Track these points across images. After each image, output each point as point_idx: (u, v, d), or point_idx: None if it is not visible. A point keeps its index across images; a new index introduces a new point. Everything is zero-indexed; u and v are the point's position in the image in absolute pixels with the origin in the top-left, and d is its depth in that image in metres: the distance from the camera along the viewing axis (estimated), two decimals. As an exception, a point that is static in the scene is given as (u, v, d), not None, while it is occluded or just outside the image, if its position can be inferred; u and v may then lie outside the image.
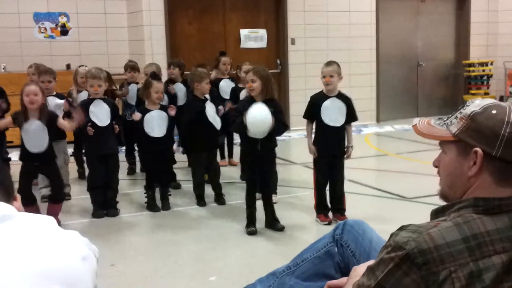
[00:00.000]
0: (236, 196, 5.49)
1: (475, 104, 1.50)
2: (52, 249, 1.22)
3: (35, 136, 4.56)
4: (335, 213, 4.75)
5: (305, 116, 4.78)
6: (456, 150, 1.51)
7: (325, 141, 4.65)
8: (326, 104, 4.63)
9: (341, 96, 4.70)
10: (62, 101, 5.44)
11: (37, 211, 4.69)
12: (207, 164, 5.44)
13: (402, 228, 1.46)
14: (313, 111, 4.68)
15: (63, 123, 4.71)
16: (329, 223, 4.61)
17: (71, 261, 1.24)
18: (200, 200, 5.34)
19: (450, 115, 1.56)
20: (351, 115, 4.70)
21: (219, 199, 5.37)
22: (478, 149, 1.45)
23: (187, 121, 5.28)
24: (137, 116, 5.05)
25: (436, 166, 1.59)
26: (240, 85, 6.32)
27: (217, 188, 5.42)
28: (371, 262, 1.52)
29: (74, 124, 4.68)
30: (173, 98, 6.26)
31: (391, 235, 1.46)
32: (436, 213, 1.52)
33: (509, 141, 1.43)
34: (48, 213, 4.73)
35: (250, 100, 4.47)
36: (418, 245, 1.38)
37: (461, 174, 1.49)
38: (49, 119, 4.62)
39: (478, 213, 1.44)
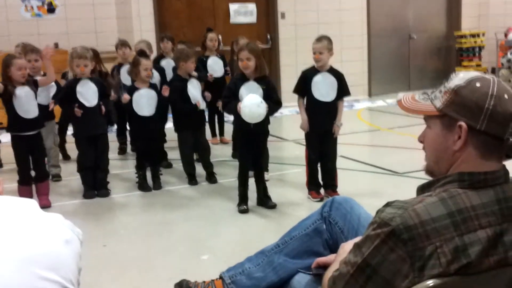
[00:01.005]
0: (228, 174, 5.48)
1: (459, 77, 1.48)
2: (34, 234, 1.20)
3: (28, 101, 4.60)
4: (327, 189, 4.75)
5: (295, 91, 4.74)
6: (440, 125, 1.49)
7: (316, 117, 4.62)
8: (317, 78, 4.59)
9: (333, 71, 4.65)
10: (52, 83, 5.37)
11: (29, 192, 4.68)
12: (195, 143, 5.41)
13: (387, 205, 1.46)
14: (303, 86, 4.64)
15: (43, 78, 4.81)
16: (321, 200, 4.60)
17: (54, 245, 1.22)
18: (192, 179, 5.32)
19: (434, 89, 1.54)
20: (342, 90, 4.64)
21: (211, 178, 5.35)
22: (462, 123, 1.44)
23: (168, 101, 5.26)
24: (125, 98, 5.00)
25: (421, 142, 1.58)
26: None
27: (208, 166, 5.40)
28: (358, 239, 1.51)
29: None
30: (163, 74, 6.18)
31: (377, 212, 1.46)
32: (422, 189, 1.52)
33: (493, 114, 1.42)
34: (38, 193, 4.72)
35: (243, 78, 4.43)
36: (404, 221, 1.38)
37: (446, 148, 1.48)
38: (34, 82, 4.73)
39: (464, 187, 1.44)
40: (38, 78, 4.88)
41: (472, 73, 1.49)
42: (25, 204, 1.27)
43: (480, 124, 1.43)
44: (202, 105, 5.31)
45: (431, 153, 1.55)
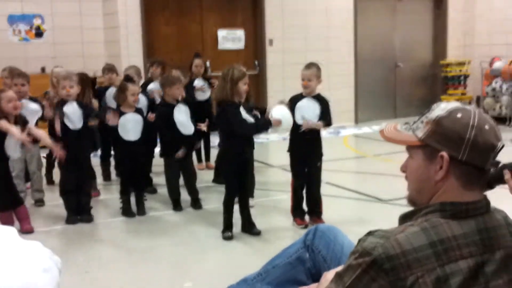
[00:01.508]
0: (213, 200, 5.45)
1: (440, 107, 1.49)
2: (11, 263, 1.18)
3: (14, 142, 4.52)
4: (312, 216, 4.73)
5: None
6: (422, 155, 1.50)
7: (299, 144, 4.62)
8: (301, 103, 4.62)
9: (318, 97, 4.67)
10: (37, 107, 5.34)
11: (10, 217, 4.61)
12: (181, 168, 5.38)
13: (369, 234, 1.46)
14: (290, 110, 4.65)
15: (37, 133, 4.62)
16: (306, 226, 4.59)
17: (32, 275, 1.20)
18: (176, 205, 5.28)
19: (416, 119, 1.55)
20: (324, 117, 4.60)
21: (196, 204, 5.32)
22: (444, 153, 1.45)
23: (155, 127, 5.26)
24: (112, 119, 4.97)
25: (403, 171, 1.58)
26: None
27: (193, 193, 5.37)
28: (340, 268, 1.50)
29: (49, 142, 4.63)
30: (151, 99, 6.18)
31: (359, 241, 1.46)
32: (404, 218, 1.52)
33: (475, 144, 1.43)
34: (18, 219, 4.65)
35: (239, 104, 4.42)
36: (386, 250, 1.37)
37: (428, 178, 1.49)
38: (23, 124, 4.61)
39: (445, 217, 1.44)
40: (31, 128, 4.68)
41: (453, 104, 1.50)
42: (4, 232, 1.25)
43: (461, 154, 1.43)
44: (189, 130, 5.28)
45: (413, 182, 1.55)
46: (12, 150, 4.57)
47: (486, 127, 1.45)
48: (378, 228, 1.46)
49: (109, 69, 6.42)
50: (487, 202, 1.50)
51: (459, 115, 1.46)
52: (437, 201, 1.48)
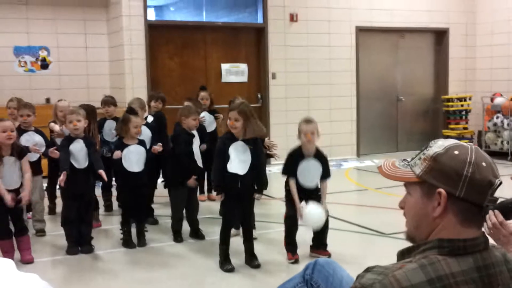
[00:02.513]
0: (214, 232, 5.42)
1: (438, 145, 1.51)
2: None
3: (10, 172, 4.55)
4: (317, 248, 4.72)
5: (284, 172, 4.72)
6: (420, 191, 1.51)
7: (301, 197, 4.63)
8: (303, 165, 4.62)
9: (319, 156, 4.69)
10: (41, 139, 5.36)
11: (11, 246, 4.60)
12: (187, 199, 5.39)
13: (368, 270, 1.46)
14: (292, 166, 4.64)
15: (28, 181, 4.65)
16: (296, 261, 4.57)
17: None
18: (177, 236, 5.28)
19: (414, 156, 1.56)
20: (324, 173, 4.70)
21: (197, 233, 5.32)
22: (441, 190, 1.46)
23: (178, 153, 5.26)
24: (117, 154, 4.99)
25: (402, 208, 1.59)
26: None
27: (194, 223, 5.37)
28: (338, 303, 1.50)
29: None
30: (154, 131, 6.21)
31: (357, 277, 1.46)
32: (402, 254, 1.52)
33: (472, 181, 1.44)
34: (19, 248, 4.64)
35: (232, 138, 4.44)
36: (384, 287, 1.37)
37: (426, 215, 1.49)
38: (20, 153, 4.64)
39: (443, 254, 1.44)
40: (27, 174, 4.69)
41: (450, 141, 1.52)
42: (0, 265, 1.26)
43: (459, 191, 1.45)
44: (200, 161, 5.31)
45: (411, 219, 1.56)
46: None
47: (484, 164, 1.46)
48: (376, 264, 1.46)
49: (107, 101, 6.44)
50: (485, 239, 1.51)
51: (456, 152, 1.47)
52: (435, 237, 1.48)
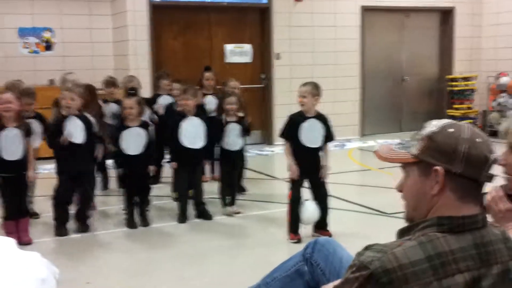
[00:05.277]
0: (217, 212, 5.50)
1: (432, 124, 1.53)
2: (8, 273, 1.21)
3: (12, 143, 4.57)
4: (319, 228, 4.75)
5: (282, 135, 4.78)
6: (418, 171, 1.52)
7: (303, 161, 4.66)
8: (305, 125, 4.65)
9: (319, 117, 4.72)
10: (39, 128, 5.26)
11: (15, 227, 4.65)
12: (189, 181, 5.41)
13: (367, 248, 1.47)
14: (291, 131, 4.69)
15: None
16: (298, 241, 4.61)
17: (28, 284, 1.23)
18: (180, 216, 5.31)
19: (409, 139, 1.58)
20: (328, 135, 4.74)
21: (203, 214, 5.36)
22: (438, 167, 1.47)
23: (167, 136, 5.32)
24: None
25: (399, 191, 1.60)
26: None
27: (198, 206, 5.41)
28: (337, 281, 1.52)
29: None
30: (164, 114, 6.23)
31: (356, 255, 1.47)
32: (402, 233, 1.54)
33: (468, 157, 1.46)
34: (18, 230, 4.67)
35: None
36: (383, 264, 1.38)
37: (424, 193, 1.51)
38: (27, 131, 4.67)
39: (442, 231, 1.46)
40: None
41: (444, 120, 1.54)
42: (1, 243, 1.28)
43: (456, 167, 1.46)
44: (195, 143, 5.30)
45: (410, 199, 1.57)
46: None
47: (479, 140, 1.48)
48: (375, 242, 1.48)
49: (113, 82, 6.42)
50: (484, 217, 1.52)
51: (451, 130, 1.49)
52: (434, 215, 1.49)
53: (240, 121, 5.60)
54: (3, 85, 6.04)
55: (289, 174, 4.67)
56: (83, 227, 4.98)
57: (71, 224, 5.02)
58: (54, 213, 4.94)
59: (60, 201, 4.93)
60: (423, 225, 1.49)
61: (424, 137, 1.51)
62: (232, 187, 5.67)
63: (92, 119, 5.10)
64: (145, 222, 5.17)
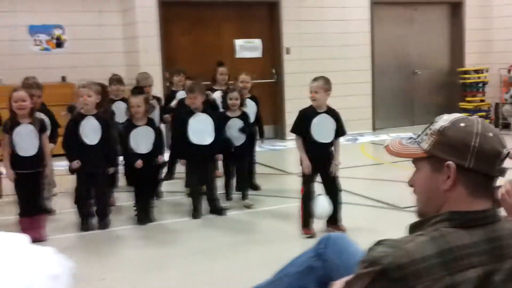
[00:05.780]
0: (230, 207, 5.51)
1: (444, 119, 1.52)
2: (16, 268, 1.22)
3: (26, 139, 4.62)
4: (331, 223, 4.75)
5: (293, 131, 4.78)
6: (429, 166, 1.52)
7: (315, 156, 4.66)
8: (316, 120, 4.65)
9: (330, 112, 4.71)
10: (47, 120, 5.25)
11: (39, 222, 4.69)
12: (201, 176, 5.41)
13: (379, 243, 1.47)
14: (302, 126, 4.69)
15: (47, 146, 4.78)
16: (311, 236, 4.61)
17: (36, 280, 1.24)
18: (194, 212, 5.33)
19: (420, 133, 1.57)
20: (339, 130, 4.74)
21: (216, 210, 5.37)
22: (450, 162, 1.46)
23: (174, 133, 5.37)
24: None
25: (411, 186, 1.60)
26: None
27: (211, 202, 5.42)
28: (350, 277, 1.52)
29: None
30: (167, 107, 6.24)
31: (368, 250, 1.47)
32: (413, 228, 1.53)
33: (480, 152, 1.45)
34: (33, 227, 4.69)
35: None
36: (395, 259, 1.38)
37: (436, 188, 1.50)
38: (41, 127, 4.71)
39: (454, 226, 1.45)
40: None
41: (455, 115, 1.53)
42: (14, 239, 1.29)
43: (468, 162, 1.45)
44: (204, 139, 5.29)
45: (421, 195, 1.57)
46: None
47: (490, 134, 1.47)
48: (387, 238, 1.48)
49: (119, 80, 6.41)
50: (496, 211, 1.51)
51: (462, 124, 1.48)
52: (446, 210, 1.49)
53: (242, 116, 5.60)
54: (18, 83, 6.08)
55: (302, 169, 4.67)
56: (101, 224, 5.01)
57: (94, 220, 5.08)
58: (77, 210, 5.04)
59: (80, 198, 5.00)
60: (435, 220, 1.48)
61: (435, 132, 1.50)
62: (242, 182, 5.70)
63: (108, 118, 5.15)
64: (151, 218, 5.18)
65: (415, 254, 1.38)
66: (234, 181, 5.90)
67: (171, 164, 6.61)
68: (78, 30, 9.24)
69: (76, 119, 4.98)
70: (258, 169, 6.63)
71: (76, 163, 4.87)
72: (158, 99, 6.47)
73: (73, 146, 4.90)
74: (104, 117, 5.10)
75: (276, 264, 2.47)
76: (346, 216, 4.86)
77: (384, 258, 1.39)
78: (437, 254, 1.39)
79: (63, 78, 8.88)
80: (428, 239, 1.42)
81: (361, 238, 2.32)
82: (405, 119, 11.01)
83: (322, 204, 4.59)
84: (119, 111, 5.84)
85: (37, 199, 4.80)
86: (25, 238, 1.33)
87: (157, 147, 5.17)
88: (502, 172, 1.50)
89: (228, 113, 5.60)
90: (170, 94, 6.80)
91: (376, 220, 5.18)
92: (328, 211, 4.62)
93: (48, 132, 5.08)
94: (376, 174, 7.45)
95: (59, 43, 9.19)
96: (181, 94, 6.49)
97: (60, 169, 6.16)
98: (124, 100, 5.99)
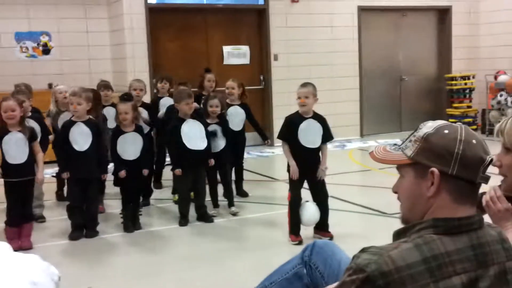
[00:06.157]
0: (219, 214, 5.49)
1: (427, 126, 1.52)
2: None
3: (16, 147, 4.58)
4: (319, 230, 4.75)
5: (280, 137, 4.79)
6: (413, 173, 1.52)
7: (302, 162, 4.66)
8: (303, 126, 4.65)
9: (317, 117, 4.72)
10: (37, 126, 5.20)
11: (16, 234, 4.65)
12: (192, 183, 5.38)
13: (363, 250, 1.46)
14: (289, 132, 4.69)
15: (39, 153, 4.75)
16: (300, 243, 4.59)
17: (18, 286, 1.22)
18: (181, 219, 5.30)
19: (404, 139, 1.57)
20: (326, 135, 4.74)
21: (204, 217, 5.34)
22: (434, 169, 1.46)
23: (164, 142, 5.32)
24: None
25: (395, 192, 1.60)
26: (228, 101, 6.23)
27: (199, 209, 5.39)
28: (335, 284, 1.51)
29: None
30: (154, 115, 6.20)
31: (353, 257, 1.47)
32: (398, 235, 1.53)
33: (464, 158, 1.45)
34: (20, 234, 4.68)
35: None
36: (379, 267, 1.38)
37: (420, 195, 1.50)
38: (31, 135, 4.68)
39: (438, 233, 1.45)
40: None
41: (439, 122, 1.53)
42: (-1, 247, 1.27)
43: (451, 169, 1.46)
44: (197, 145, 5.28)
45: (405, 201, 1.57)
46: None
47: (474, 141, 1.48)
48: (371, 245, 1.47)
49: (107, 85, 6.40)
50: (480, 218, 1.51)
51: (446, 131, 1.48)
52: (430, 217, 1.49)
53: (220, 122, 5.59)
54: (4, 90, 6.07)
55: (289, 174, 4.66)
56: (91, 232, 4.97)
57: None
58: (68, 217, 5.00)
59: (71, 206, 4.97)
60: (419, 227, 1.48)
61: (419, 139, 1.50)
62: (226, 189, 5.68)
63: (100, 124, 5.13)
64: (137, 225, 5.15)
65: (399, 261, 1.38)
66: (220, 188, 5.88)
67: (158, 174, 6.60)
68: (65, 37, 9.19)
69: (66, 125, 4.96)
70: (246, 175, 6.62)
71: (66, 174, 4.90)
72: (146, 106, 6.42)
73: (63, 153, 4.88)
74: (95, 123, 5.07)
75: (264, 271, 2.47)
76: (334, 223, 4.86)
77: (368, 266, 1.38)
78: (421, 261, 1.39)
79: (50, 85, 8.82)
80: (412, 246, 1.42)
81: (349, 244, 2.32)
82: (393, 125, 11.06)
83: (309, 210, 4.59)
84: (109, 117, 5.83)
85: (26, 207, 4.75)
86: (6, 245, 1.31)
87: (144, 155, 5.14)
88: (486, 179, 1.50)
89: (208, 120, 5.57)
90: (154, 101, 6.77)
91: (364, 227, 5.19)
92: (316, 217, 4.62)
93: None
94: (364, 180, 7.47)
95: (46, 50, 9.14)
96: (164, 101, 6.47)
97: (47, 176, 6.11)
98: (113, 105, 5.99)
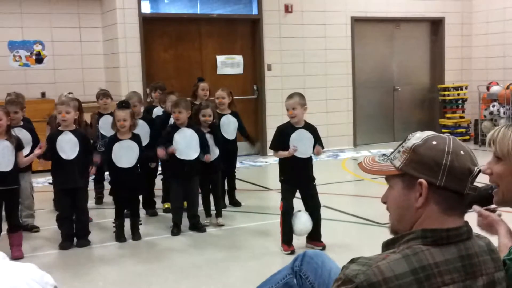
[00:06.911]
0: (210, 224, 5.47)
1: (416, 137, 1.53)
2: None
3: (2, 155, 4.55)
4: (312, 239, 4.74)
5: (272, 147, 4.80)
6: (402, 184, 1.52)
7: (293, 172, 4.67)
8: (294, 136, 4.65)
9: (308, 127, 4.73)
10: (28, 137, 5.22)
11: (16, 239, 4.62)
12: (185, 192, 5.36)
13: (352, 261, 1.47)
14: (280, 142, 4.69)
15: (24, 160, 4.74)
16: (292, 252, 4.59)
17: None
18: (174, 229, 5.28)
19: (393, 150, 1.57)
20: (318, 144, 4.72)
21: (197, 226, 5.33)
22: (422, 180, 1.47)
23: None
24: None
25: (384, 202, 1.60)
26: (217, 111, 6.22)
27: (192, 218, 5.37)
28: (324, 295, 1.51)
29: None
30: (150, 122, 6.20)
31: (342, 268, 1.47)
32: (387, 245, 1.53)
33: (451, 170, 1.46)
34: (10, 244, 4.65)
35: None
36: (367, 278, 1.38)
37: (409, 206, 1.50)
38: (17, 144, 4.66)
39: (427, 244, 1.45)
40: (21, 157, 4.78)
41: (428, 133, 1.54)
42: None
43: (439, 180, 1.46)
44: (190, 154, 5.27)
45: (394, 211, 1.57)
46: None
47: (462, 152, 1.48)
48: (360, 256, 1.47)
49: (106, 94, 6.40)
50: (468, 229, 1.52)
51: (434, 142, 1.49)
52: (418, 228, 1.49)
53: (213, 131, 5.58)
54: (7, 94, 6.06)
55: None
56: (81, 242, 4.94)
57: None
58: (58, 227, 4.98)
59: (61, 215, 4.95)
60: (408, 238, 1.48)
61: (408, 150, 1.51)
62: (215, 199, 5.67)
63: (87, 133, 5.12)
64: (137, 236, 5.13)
65: (387, 272, 1.38)
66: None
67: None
68: (58, 46, 9.19)
69: (52, 135, 4.95)
70: (239, 185, 6.61)
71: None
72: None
73: (48, 159, 4.88)
74: (82, 132, 5.07)
75: (257, 280, 2.46)
76: (327, 232, 4.86)
77: (357, 277, 1.38)
78: (409, 272, 1.39)
79: (43, 94, 8.81)
80: (400, 257, 1.42)
81: (341, 254, 2.33)
82: (386, 135, 11.08)
83: (302, 220, 4.58)
84: (107, 125, 5.81)
85: (12, 216, 4.72)
86: (1, 254, 1.30)
87: (142, 162, 5.17)
88: (474, 190, 1.50)
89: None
90: (148, 110, 6.76)
91: (356, 236, 5.18)
92: (308, 227, 4.62)
93: (29, 149, 5.05)
94: (356, 190, 7.47)
95: (39, 59, 9.13)
96: (158, 110, 6.47)
97: (39, 185, 6.11)
98: (112, 114, 5.97)
